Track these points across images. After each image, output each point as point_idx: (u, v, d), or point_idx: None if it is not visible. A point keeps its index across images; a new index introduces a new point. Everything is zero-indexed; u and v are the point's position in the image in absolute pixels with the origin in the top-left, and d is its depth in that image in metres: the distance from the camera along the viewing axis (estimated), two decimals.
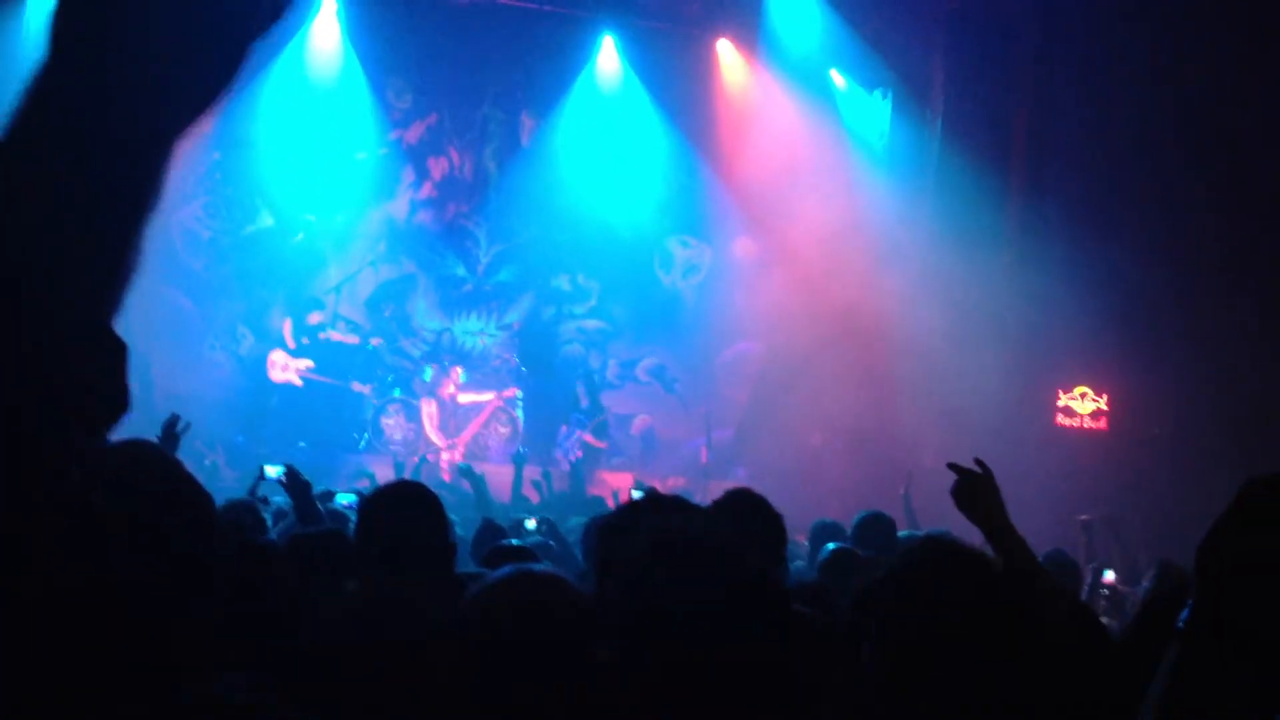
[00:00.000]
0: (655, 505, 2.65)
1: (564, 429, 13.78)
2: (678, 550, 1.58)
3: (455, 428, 14.00)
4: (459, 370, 14.27)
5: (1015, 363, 12.23)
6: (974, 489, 2.96)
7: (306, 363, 13.58)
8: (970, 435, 11.74)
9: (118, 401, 1.05)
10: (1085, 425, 12.98)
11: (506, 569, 1.88)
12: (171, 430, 5.21)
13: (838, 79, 13.91)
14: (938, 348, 12.17)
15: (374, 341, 14.06)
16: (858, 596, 2.11)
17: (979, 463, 3.02)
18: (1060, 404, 13.03)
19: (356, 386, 13.82)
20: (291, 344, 13.61)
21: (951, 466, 3.01)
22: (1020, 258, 12.32)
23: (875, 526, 5.61)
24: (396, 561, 2.86)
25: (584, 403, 13.85)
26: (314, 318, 13.76)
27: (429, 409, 13.98)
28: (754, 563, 1.59)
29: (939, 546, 2.03)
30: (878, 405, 12.80)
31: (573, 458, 13.09)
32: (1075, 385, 12.96)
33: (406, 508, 3.10)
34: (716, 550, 1.57)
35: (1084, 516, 6.99)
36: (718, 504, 3.49)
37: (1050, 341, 12.08)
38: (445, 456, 13.59)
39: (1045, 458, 11.94)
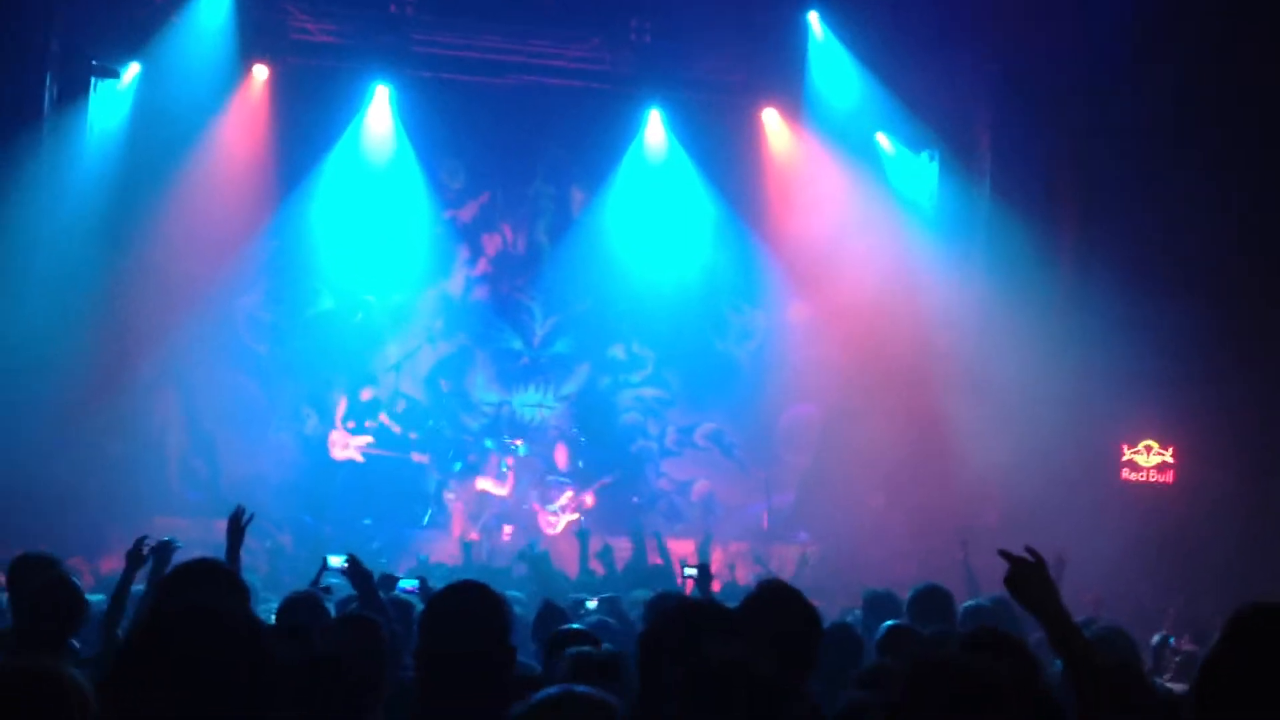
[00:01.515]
0: (694, 617, 2.73)
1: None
2: (712, 683, 1.63)
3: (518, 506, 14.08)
4: (520, 443, 14.39)
5: (1077, 419, 12.14)
6: (1027, 578, 2.96)
7: (365, 439, 13.78)
8: (1032, 492, 11.68)
9: None
10: (1151, 478, 12.84)
11: (553, 690, 1.93)
12: (237, 524, 5.34)
13: (884, 142, 14.00)
14: (996, 405, 12.12)
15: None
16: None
17: (1030, 551, 3.03)
18: (1125, 458, 12.91)
19: (416, 457, 13.99)
20: (350, 422, 13.82)
21: (1003, 554, 3.02)
22: (1075, 314, 12.27)
23: (932, 600, 5.53)
24: (455, 672, 2.88)
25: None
26: (366, 393, 13.96)
27: (499, 488, 14.07)
28: (784, 689, 1.64)
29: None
30: (939, 465, 12.75)
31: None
32: (1140, 439, 12.85)
33: (465, 622, 3.02)
34: (749, 680, 1.63)
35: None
36: (751, 600, 3.46)
37: (1112, 397, 11.99)
38: (508, 530, 13.68)
39: (1110, 512, 11.82)
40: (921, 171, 13.78)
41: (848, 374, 13.74)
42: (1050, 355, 12.04)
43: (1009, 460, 11.83)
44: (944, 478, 12.69)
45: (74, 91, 11.35)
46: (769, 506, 14.01)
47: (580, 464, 14.17)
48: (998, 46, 12.00)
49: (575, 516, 13.54)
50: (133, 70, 12.00)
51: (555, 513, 13.73)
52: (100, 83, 11.65)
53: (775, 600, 3.35)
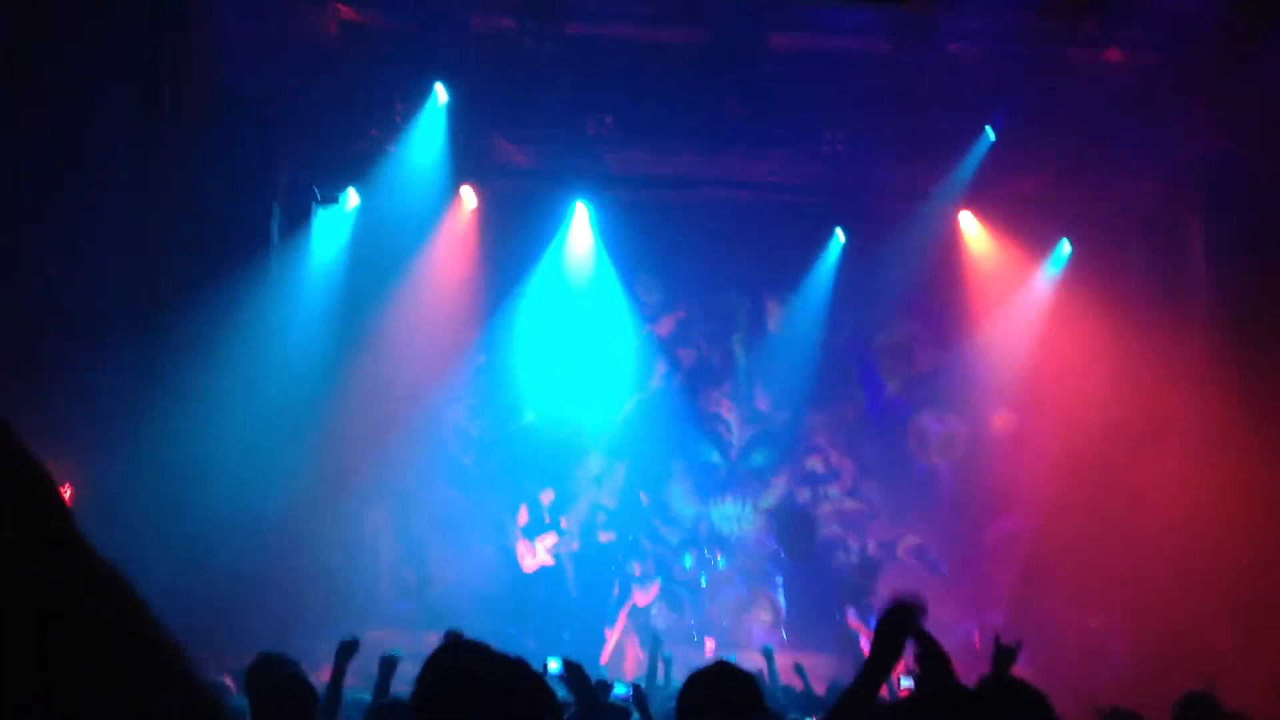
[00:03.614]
0: None
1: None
2: None
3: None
4: (720, 556, 14.32)
5: None
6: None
7: (550, 538, 13.87)
8: (1271, 618, 10.81)
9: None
10: None
11: None
12: (384, 681, 5.46)
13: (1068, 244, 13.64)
14: (1226, 524, 11.37)
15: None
16: None
17: None
18: None
19: (634, 569, 13.99)
20: (533, 531, 13.95)
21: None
22: None
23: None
24: None
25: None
26: (546, 496, 14.07)
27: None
28: None
29: None
30: (1163, 585, 11.99)
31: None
32: None
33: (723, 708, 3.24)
34: None
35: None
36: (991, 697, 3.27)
37: None
38: (710, 643, 13.55)
39: None
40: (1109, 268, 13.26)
41: (1061, 486, 13.18)
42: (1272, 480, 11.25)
43: (1242, 591, 11.07)
44: (1170, 599, 11.93)
45: (298, 221, 12.11)
46: (979, 625, 13.47)
47: (783, 634, 13.81)
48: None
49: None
50: (352, 198, 12.75)
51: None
52: (322, 210, 12.39)
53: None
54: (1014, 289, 13.83)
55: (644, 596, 13.83)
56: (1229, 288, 12.02)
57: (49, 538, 1.01)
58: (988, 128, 12.44)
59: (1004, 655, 6.25)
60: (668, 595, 14.26)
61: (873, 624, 11.52)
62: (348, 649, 5.50)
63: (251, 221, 11.40)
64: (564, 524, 14.06)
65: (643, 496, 14.76)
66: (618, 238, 14.32)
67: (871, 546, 14.54)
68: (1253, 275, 11.68)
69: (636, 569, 13.98)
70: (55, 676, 0.94)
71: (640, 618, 13.94)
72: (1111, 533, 12.57)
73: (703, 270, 14.67)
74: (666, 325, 14.92)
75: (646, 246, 14.40)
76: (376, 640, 7.24)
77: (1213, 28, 10.59)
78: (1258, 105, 10.83)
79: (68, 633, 0.96)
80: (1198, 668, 9.56)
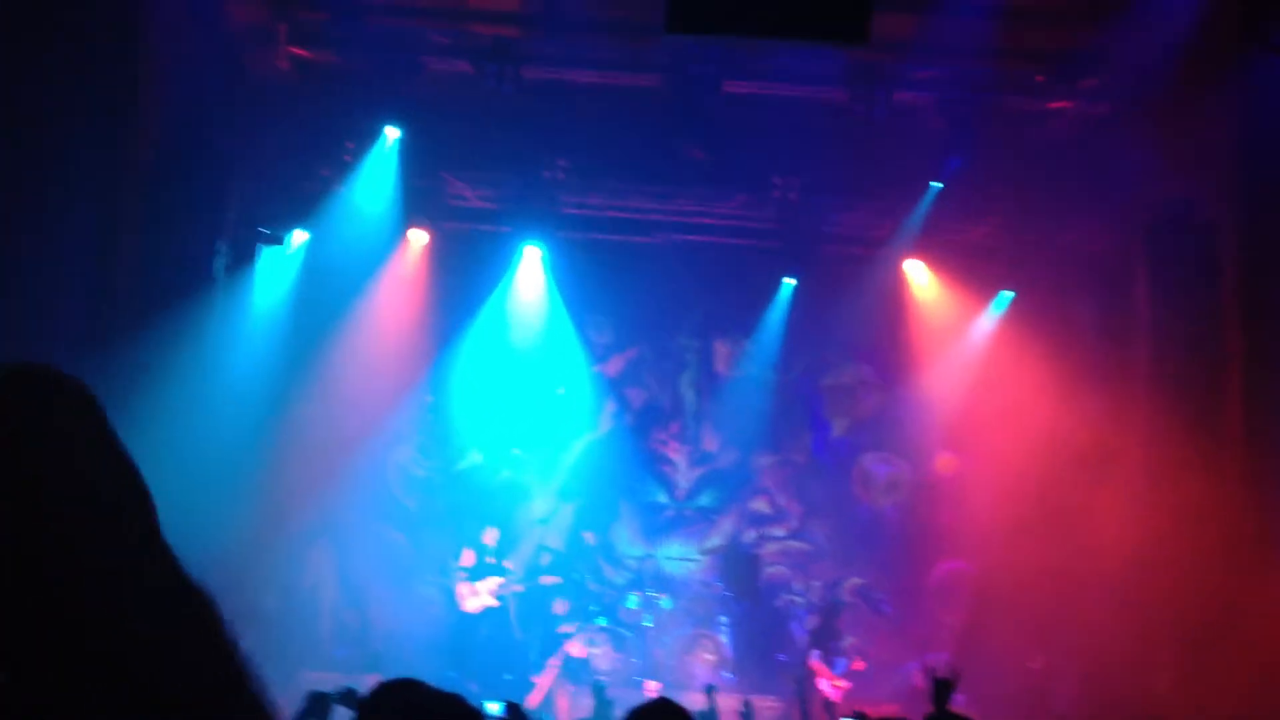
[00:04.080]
0: None
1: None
2: None
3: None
4: (666, 597, 14.25)
5: (1244, 602, 11.47)
6: None
7: (495, 580, 13.66)
8: (1217, 657, 10.99)
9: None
10: None
11: None
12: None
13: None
14: (1172, 561, 11.56)
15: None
16: None
17: None
18: None
19: (557, 607, 13.86)
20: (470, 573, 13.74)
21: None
22: (1250, 463, 11.71)
23: None
24: None
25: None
26: (489, 536, 13.78)
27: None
28: None
29: None
30: (1108, 625, 12.16)
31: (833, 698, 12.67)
32: None
33: None
34: None
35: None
36: None
37: None
38: (652, 686, 13.45)
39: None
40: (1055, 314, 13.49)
41: (1005, 528, 13.32)
42: (1229, 505, 11.46)
43: (1187, 623, 11.24)
44: (1113, 638, 12.09)
45: (244, 259, 11.89)
46: (922, 665, 13.54)
47: (728, 675, 13.71)
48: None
49: (846, 685, 13.08)
50: (299, 236, 12.57)
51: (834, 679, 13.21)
52: (268, 249, 12.19)
53: None
54: (959, 334, 14.01)
55: (578, 649, 13.66)
56: (1173, 334, 12.25)
57: (137, 545, 0.97)
58: (935, 178, 12.60)
59: (941, 688, 6.29)
60: (612, 636, 14.16)
61: (840, 668, 11.49)
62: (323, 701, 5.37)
63: (196, 258, 11.18)
64: (508, 565, 13.88)
65: (589, 537, 14.68)
66: (569, 278, 14.28)
67: (817, 587, 14.58)
68: (1196, 321, 11.93)
69: (560, 607, 13.82)
70: (135, 691, 0.89)
71: (577, 662, 13.83)
72: (1056, 573, 12.71)
73: (654, 312, 14.69)
74: (616, 365, 14.90)
75: (598, 287, 14.38)
76: (314, 682, 7.12)
77: (1161, 79, 10.83)
78: (1204, 155, 11.09)
79: (147, 651, 0.93)
80: (1141, 709, 9.70)
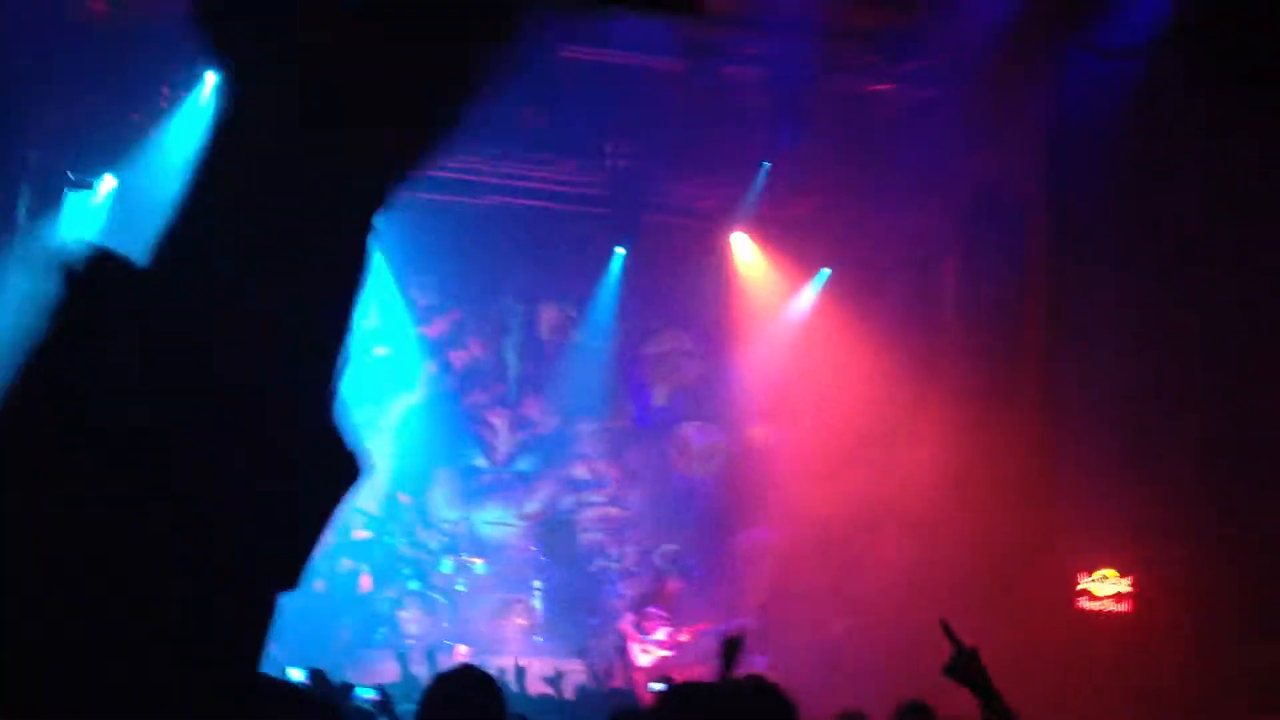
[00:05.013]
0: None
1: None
2: None
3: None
4: (481, 561, 14.22)
5: (1037, 545, 12.18)
6: (965, 663, 3.77)
7: None
8: (989, 618, 11.62)
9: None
10: (1109, 609, 12.84)
11: None
12: None
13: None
14: (955, 532, 12.15)
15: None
16: None
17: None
18: (1081, 587, 12.92)
19: (364, 582, 13.71)
20: None
21: (943, 625, 3.87)
22: (1039, 438, 12.39)
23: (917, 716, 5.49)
24: None
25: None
26: None
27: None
28: None
29: None
30: (903, 591, 12.69)
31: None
32: (1098, 568, 12.89)
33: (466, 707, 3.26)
34: None
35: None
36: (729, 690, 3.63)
37: (1072, 524, 12.06)
38: (463, 650, 13.41)
39: (1067, 641, 11.79)
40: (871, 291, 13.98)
41: (811, 497, 13.74)
42: (1014, 479, 12.11)
43: (965, 588, 11.83)
44: (905, 604, 12.64)
45: (48, 204, 11.28)
46: (729, 630, 13.85)
47: (539, 639, 13.80)
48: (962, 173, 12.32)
49: (667, 654, 13.20)
50: (108, 183, 11.98)
51: (648, 646, 13.29)
52: (74, 194, 11.59)
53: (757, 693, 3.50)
54: (781, 307, 14.34)
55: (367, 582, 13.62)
56: (979, 308, 12.84)
57: None
58: (763, 153, 12.84)
59: (730, 647, 6.53)
60: (423, 600, 14.06)
61: (651, 634, 11.58)
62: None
63: None
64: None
65: (404, 499, 14.49)
66: (392, 238, 13.97)
67: (632, 554, 14.77)
68: (1002, 296, 12.53)
69: (366, 582, 13.72)
70: None
71: (391, 624, 13.71)
72: (857, 542, 13.19)
73: (479, 275, 14.55)
74: (439, 327, 14.70)
75: (422, 248, 14.13)
76: None
77: (980, 65, 11.29)
78: (1016, 140, 11.64)
79: None
80: (930, 675, 10.19)
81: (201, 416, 0.79)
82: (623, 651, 12.92)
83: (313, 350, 0.83)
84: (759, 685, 3.58)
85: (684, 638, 13.52)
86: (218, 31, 0.84)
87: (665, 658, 12.99)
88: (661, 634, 13.47)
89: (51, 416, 0.80)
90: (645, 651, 13.13)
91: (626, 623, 13.41)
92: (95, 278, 0.80)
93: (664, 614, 13.65)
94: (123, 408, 0.79)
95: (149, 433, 0.79)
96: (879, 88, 12.18)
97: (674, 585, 14.09)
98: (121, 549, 0.79)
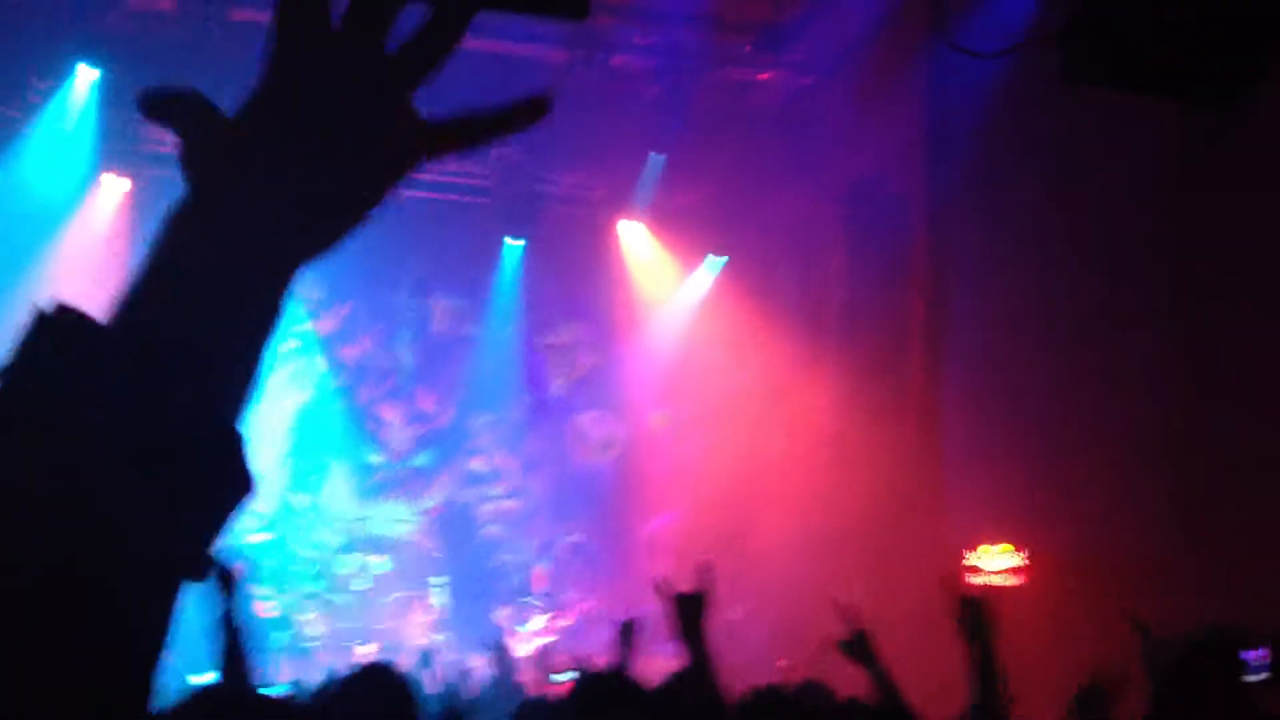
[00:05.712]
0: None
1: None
2: None
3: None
4: (381, 559, 14.09)
5: (930, 521, 12.42)
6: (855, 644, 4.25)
7: None
8: (886, 596, 11.85)
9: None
10: (999, 583, 13.12)
11: None
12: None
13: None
14: (848, 510, 12.35)
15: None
16: None
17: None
18: (969, 562, 13.19)
19: (260, 608, 13.49)
20: None
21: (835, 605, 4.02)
22: (927, 418, 12.65)
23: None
24: None
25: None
26: None
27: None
28: None
29: None
30: (802, 573, 12.85)
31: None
32: (990, 542, 13.17)
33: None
34: None
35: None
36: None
37: (961, 501, 12.33)
38: (370, 649, 13.29)
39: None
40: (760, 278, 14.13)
41: (712, 482, 13.87)
42: (903, 461, 12.35)
43: (865, 564, 12.03)
44: (799, 591, 12.79)
45: None
46: (634, 619, 13.92)
47: (443, 635, 13.72)
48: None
49: (550, 639, 13.15)
50: None
51: (526, 636, 13.25)
52: None
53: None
54: (674, 295, 14.43)
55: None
56: (865, 295, 13.08)
57: None
58: (653, 143, 12.90)
59: (627, 631, 6.60)
60: (322, 602, 13.89)
61: (533, 622, 11.62)
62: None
63: None
64: None
65: (300, 499, 14.29)
66: None
67: (533, 545, 14.75)
68: (885, 282, 12.78)
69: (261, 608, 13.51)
70: None
71: (292, 627, 13.52)
72: (756, 524, 13.35)
73: (368, 268, 14.36)
74: (329, 323, 14.49)
75: None
76: None
77: (857, 56, 11.49)
78: (896, 131, 11.86)
79: None
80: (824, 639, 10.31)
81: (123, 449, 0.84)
82: (500, 645, 12.90)
83: (233, 386, 0.93)
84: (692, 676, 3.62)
85: (565, 622, 13.59)
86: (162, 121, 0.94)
87: (547, 644, 13.02)
88: (539, 622, 13.53)
89: None
90: (524, 642, 13.17)
91: (501, 616, 13.47)
92: (58, 327, 0.86)
93: (538, 603, 13.73)
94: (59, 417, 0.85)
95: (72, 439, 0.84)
96: (760, 77, 12.31)
97: (568, 572, 14.14)
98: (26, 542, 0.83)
